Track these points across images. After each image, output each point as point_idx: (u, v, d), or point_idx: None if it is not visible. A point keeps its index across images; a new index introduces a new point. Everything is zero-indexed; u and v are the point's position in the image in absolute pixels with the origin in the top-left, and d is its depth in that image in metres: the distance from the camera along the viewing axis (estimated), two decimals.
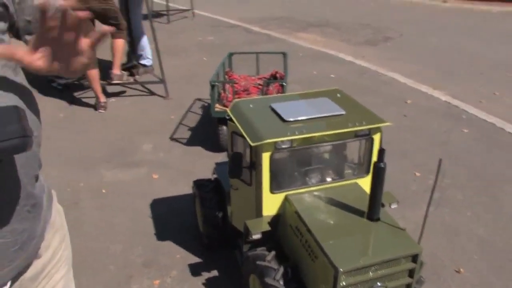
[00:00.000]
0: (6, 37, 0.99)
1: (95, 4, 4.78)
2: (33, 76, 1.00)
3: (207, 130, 4.50)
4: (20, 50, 0.86)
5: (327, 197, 2.16)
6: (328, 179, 2.28)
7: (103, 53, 6.08)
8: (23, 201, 0.98)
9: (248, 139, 2.08)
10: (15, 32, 1.06)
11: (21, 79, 1.00)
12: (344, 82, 5.79)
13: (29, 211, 1.00)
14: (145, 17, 5.93)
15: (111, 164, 3.98)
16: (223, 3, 11.48)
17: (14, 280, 1.01)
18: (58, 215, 1.19)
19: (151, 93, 5.62)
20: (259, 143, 2.03)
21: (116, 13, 5.05)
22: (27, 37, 1.10)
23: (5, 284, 0.98)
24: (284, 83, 3.92)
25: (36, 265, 1.09)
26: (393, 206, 2.30)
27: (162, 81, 5.48)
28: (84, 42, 0.86)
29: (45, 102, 5.35)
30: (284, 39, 8.03)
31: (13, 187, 0.95)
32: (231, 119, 2.35)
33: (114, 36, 5.21)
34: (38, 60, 0.86)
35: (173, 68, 6.30)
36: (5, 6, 0.96)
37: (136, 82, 5.84)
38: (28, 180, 0.99)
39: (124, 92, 5.68)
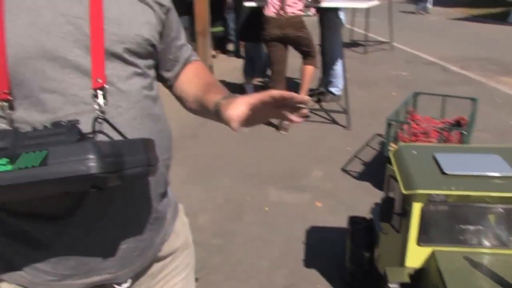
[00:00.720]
0: (151, 72, 1.16)
1: (290, 31, 5.07)
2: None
3: (380, 168, 4.43)
4: (231, 113, 1.05)
5: (478, 263, 2.00)
6: (485, 244, 2.11)
7: (293, 76, 6.40)
8: (147, 214, 1.14)
9: (401, 185, 2.04)
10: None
11: (159, 106, 1.17)
12: None
13: (151, 223, 1.16)
14: (345, 45, 6.08)
15: (278, 184, 4.16)
16: (424, 38, 11.18)
17: (134, 279, 1.17)
18: (182, 227, 1.34)
19: (333, 121, 5.73)
20: (410, 192, 1.98)
21: (309, 40, 5.29)
22: (164, 73, 1.28)
23: (126, 281, 1.15)
24: (465, 132, 3.69)
25: (156, 266, 1.24)
26: None
27: (345, 111, 5.56)
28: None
29: None
30: (483, 82, 7.52)
31: (141, 203, 1.12)
32: (390, 162, 2.32)
33: (305, 62, 5.45)
34: (237, 122, 1.04)
35: (360, 99, 6.34)
36: (153, 46, 1.13)
37: (320, 109, 6.01)
38: (154, 197, 1.15)
39: (307, 116, 5.88)
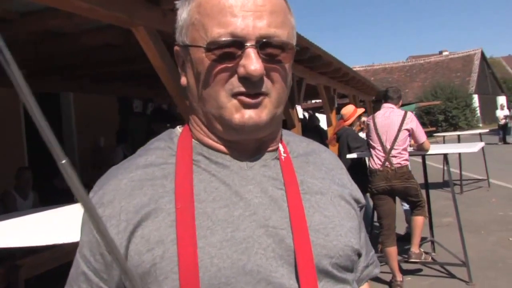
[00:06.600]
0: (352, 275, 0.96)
1: (397, 183, 4.81)
2: None
3: None
4: None
5: None
6: None
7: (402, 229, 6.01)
8: None
9: None
10: None
11: None
12: None
13: None
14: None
15: None
16: None
17: None
18: None
19: (451, 275, 5.18)
20: None
21: (417, 190, 4.98)
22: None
23: None
24: None
25: None
26: None
27: (464, 264, 5.02)
28: None
29: None
30: None
31: None
32: None
33: (414, 213, 5.10)
34: None
35: (472, 247, 5.80)
36: (360, 255, 0.98)
37: (434, 262, 5.49)
38: None
39: (420, 270, 5.38)
